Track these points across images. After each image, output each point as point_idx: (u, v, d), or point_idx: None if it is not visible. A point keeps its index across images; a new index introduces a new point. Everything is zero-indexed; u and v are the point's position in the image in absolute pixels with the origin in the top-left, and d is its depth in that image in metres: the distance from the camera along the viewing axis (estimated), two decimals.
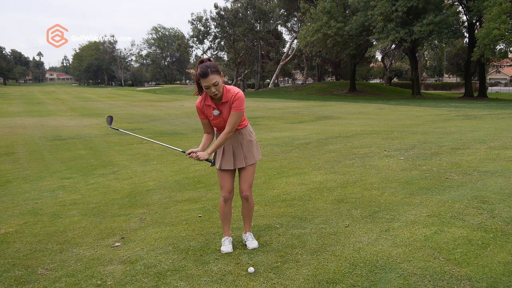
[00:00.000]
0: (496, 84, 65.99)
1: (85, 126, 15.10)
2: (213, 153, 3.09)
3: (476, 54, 27.76)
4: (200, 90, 2.96)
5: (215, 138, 3.13)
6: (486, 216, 3.47)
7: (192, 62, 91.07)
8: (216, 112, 2.95)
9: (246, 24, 49.43)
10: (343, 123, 12.85)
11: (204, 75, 2.77)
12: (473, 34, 31.31)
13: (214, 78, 2.78)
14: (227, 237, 3.20)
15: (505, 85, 64.48)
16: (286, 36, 63.35)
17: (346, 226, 3.48)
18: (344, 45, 35.86)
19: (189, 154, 3.00)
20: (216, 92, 2.84)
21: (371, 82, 67.38)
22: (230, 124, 2.92)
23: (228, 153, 3.07)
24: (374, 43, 34.94)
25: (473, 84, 39.88)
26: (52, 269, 2.95)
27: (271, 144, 8.65)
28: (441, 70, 63.24)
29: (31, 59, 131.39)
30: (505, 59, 41.52)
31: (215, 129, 3.12)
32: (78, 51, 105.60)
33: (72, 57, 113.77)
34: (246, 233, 3.27)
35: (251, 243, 3.15)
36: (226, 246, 3.12)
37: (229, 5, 51.35)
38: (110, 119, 3.64)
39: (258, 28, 52.45)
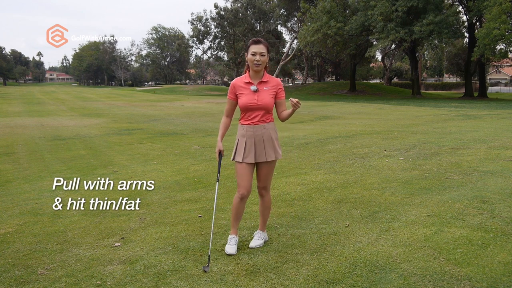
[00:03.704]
0: (496, 84, 65.95)
1: (85, 126, 15.10)
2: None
3: (476, 54, 27.76)
4: (247, 67, 3.06)
5: (239, 130, 3.07)
6: (486, 216, 3.47)
7: (192, 62, 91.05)
8: (253, 88, 3.00)
9: (246, 24, 49.46)
10: (343, 123, 12.85)
11: (258, 41, 2.96)
12: (473, 34, 31.32)
13: (264, 49, 2.95)
14: (234, 235, 3.13)
15: (505, 85, 64.44)
16: (286, 36, 63.34)
17: (346, 226, 3.48)
18: (344, 45, 35.85)
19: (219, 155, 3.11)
20: (260, 63, 2.95)
21: (371, 82, 67.35)
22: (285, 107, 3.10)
23: (250, 146, 3.01)
24: (374, 43, 34.93)
25: (473, 84, 39.87)
26: (52, 269, 2.95)
27: None
28: (441, 70, 63.25)
29: (31, 59, 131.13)
30: (505, 59, 41.60)
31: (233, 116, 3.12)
32: (78, 51, 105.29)
33: (72, 57, 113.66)
34: (257, 231, 3.25)
35: (254, 241, 3.15)
36: (232, 246, 3.05)
37: (229, 5, 51.39)
38: None
39: (258, 28, 52.46)
